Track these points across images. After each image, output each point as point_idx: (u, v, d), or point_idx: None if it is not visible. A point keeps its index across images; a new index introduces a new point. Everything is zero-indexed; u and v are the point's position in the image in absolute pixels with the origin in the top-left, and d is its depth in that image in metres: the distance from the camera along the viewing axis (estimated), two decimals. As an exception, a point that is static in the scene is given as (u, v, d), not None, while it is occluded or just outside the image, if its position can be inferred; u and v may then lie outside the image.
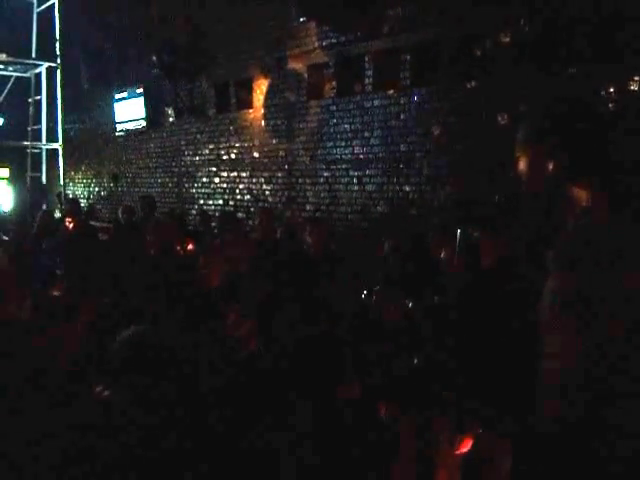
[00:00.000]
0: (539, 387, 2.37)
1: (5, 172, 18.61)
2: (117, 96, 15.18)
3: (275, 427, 3.35)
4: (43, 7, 14.39)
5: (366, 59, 9.53)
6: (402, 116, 9.04)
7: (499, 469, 3.30)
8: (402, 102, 9.05)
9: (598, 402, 2.15)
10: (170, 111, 13.79)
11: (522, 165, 2.62)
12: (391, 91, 9.19)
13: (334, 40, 9.95)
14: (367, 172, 9.49)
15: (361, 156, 9.59)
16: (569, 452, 2.23)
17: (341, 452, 3.32)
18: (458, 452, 3.26)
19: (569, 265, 2.32)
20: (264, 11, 10.76)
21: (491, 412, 3.35)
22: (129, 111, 14.89)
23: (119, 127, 15.46)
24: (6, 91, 14.54)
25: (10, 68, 14.70)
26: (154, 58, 12.93)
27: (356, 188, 9.65)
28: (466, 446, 3.25)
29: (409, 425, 3.47)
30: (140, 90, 14.33)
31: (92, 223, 10.51)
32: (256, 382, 3.66)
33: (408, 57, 8.92)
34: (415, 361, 3.97)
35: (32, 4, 14.48)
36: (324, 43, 10.14)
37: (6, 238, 7.08)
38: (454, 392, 3.52)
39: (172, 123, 13.90)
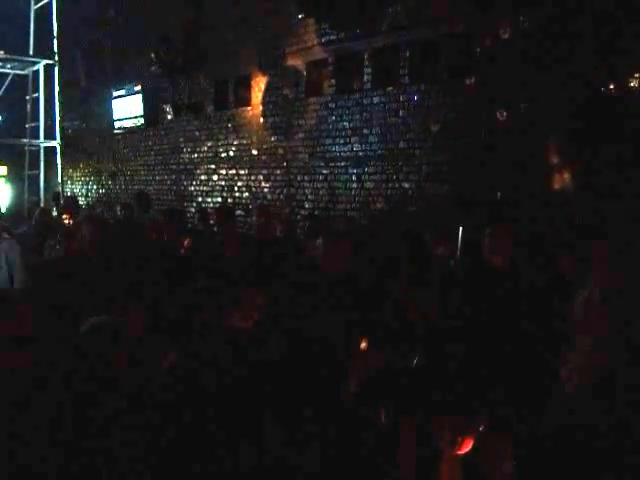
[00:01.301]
0: (558, 387, 2.35)
1: (3, 170, 18.59)
2: (115, 93, 15.13)
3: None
4: (40, 4, 14.33)
5: (365, 56, 9.51)
6: (401, 113, 9.02)
7: (500, 469, 3.29)
8: (401, 99, 9.03)
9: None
10: (168, 108, 13.76)
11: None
12: (390, 88, 9.17)
13: (333, 37, 9.92)
14: (366, 169, 9.47)
15: (360, 153, 9.57)
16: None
17: (342, 452, 3.32)
18: (459, 452, 3.24)
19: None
20: (263, 8, 10.73)
21: (492, 412, 3.33)
22: (127, 109, 14.85)
23: (117, 125, 15.41)
24: (3, 88, 14.48)
25: (8, 65, 14.65)
26: (152, 55, 12.90)
27: (355, 185, 9.63)
28: (467, 446, 3.23)
29: (409, 426, 3.45)
30: (138, 87, 14.29)
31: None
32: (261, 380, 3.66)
33: (407, 54, 8.90)
34: (415, 361, 3.95)
35: (29, 1, 14.43)
36: (323, 40, 10.11)
37: (7, 236, 7.01)
38: (454, 391, 3.50)
39: (170, 120, 13.87)
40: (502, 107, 7.38)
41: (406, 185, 8.88)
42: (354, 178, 9.66)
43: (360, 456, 3.53)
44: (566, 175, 6.84)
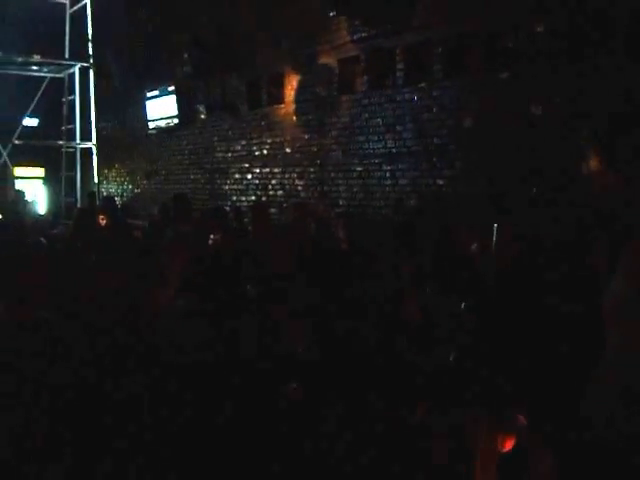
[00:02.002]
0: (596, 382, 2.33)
1: (40, 172, 18.87)
2: (149, 94, 15.28)
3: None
4: (75, 8, 14.52)
5: (397, 52, 9.49)
6: (434, 109, 8.99)
7: (538, 469, 3.26)
8: (434, 95, 9.00)
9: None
10: (202, 108, 13.87)
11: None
12: (422, 84, 9.14)
13: (365, 34, 9.91)
14: (400, 166, 9.46)
15: (394, 150, 9.55)
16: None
17: (375, 454, 3.32)
18: (498, 451, 3.22)
19: None
20: (294, 6, 10.75)
21: (532, 409, 3.31)
22: (161, 109, 14.99)
23: (151, 125, 15.56)
24: (40, 92, 14.69)
25: (44, 69, 14.87)
26: (185, 55, 13.01)
27: (389, 182, 9.62)
28: (508, 445, 3.20)
29: (442, 424, 3.44)
30: (172, 88, 14.41)
31: (130, 221, 10.58)
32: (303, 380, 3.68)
33: (439, 49, 8.86)
34: (452, 357, 3.94)
35: (65, 5, 14.63)
36: (354, 37, 10.11)
37: (43, 240, 7.12)
38: (494, 388, 3.49)
39: (204, 120, 13.97)
40: (537, 101, 7.33)
41: (440, 181, 8.85)
42: (388, 175, 9.65)
43: (393, 455, 3.53)
44: (602, 170, 6.77)
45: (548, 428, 3.21)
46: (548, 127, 7.28)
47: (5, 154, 14.51)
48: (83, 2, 14.36)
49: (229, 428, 3.40)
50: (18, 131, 14.77)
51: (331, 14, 10.05)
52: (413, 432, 3.55)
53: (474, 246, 6.06)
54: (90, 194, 15.06)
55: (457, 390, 3.56)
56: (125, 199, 17.12)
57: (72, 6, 14.69)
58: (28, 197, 15.91)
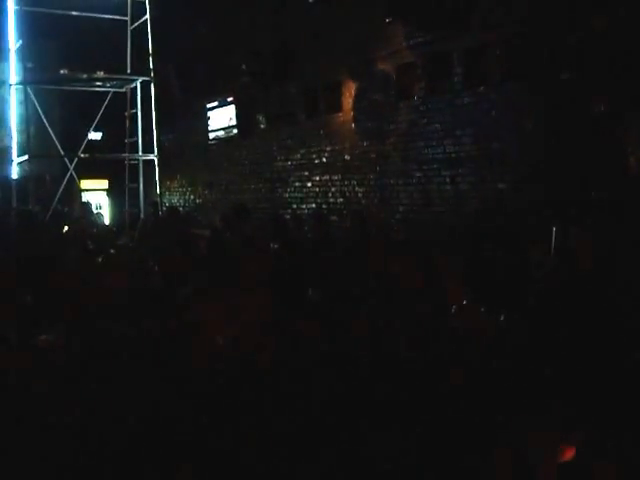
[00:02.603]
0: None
1: (105, 184, 19.29)
2: (209, 105, 15.51)
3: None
4: (136, 24, 14.83)
5: (454, 57, 9.44)
6: (494, 113, 8.91)
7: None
8: (493, 98, 8.92)
9: None
10: (261, 118, 14.01)
11: None
12: (481, 88, 9.07)
13: (421, 39, 9.89)
14: (460, 171, 9.39)
15: (453, 155, 9.50)
16: None
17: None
18: (559, 462, 3.17)
19: None
20: (350, 14, 10.78)
21: (597, 422, 3.26)
22: (221, 120, 15.21)
23: (211, 136, 15.80)
24: (104, 107, 15.04)
25: (107, 84, 15.21)
26: (243, 66, 13.16)
27: (449, 187, 9.56)
28: (568, 456, 3.15)
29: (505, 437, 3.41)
30: (231, 99, 14.60)
31: (193, 231, 10.74)
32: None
33: (497, 52, 8.78)
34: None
35: (126, 22, 14.96)
36: (411, 42, 10.09)
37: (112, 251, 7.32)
38: (555, 399, 3.45)
39: (263, 129, 14.11)
40: (599, 103, 7.20)
41: (501, 186, 8.76)
42: (447, 180, 9.59)
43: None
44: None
45: (612, 442, 3.16)
46: (611, 129, 7.14)
47: (72, 167, 14.86)
48: (144, 18, 14.63)
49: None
50: (83, 145, 15.12)
51: (387, 20, 10.06)
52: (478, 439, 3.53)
53: (536, 251, 6.01)
54: (153, 204, 15.34)
55: (520, 402, 3.53)
56: (187, 209, 17.38)
57: (133, 22, 15.00)
58: (93, 209, 16.35)
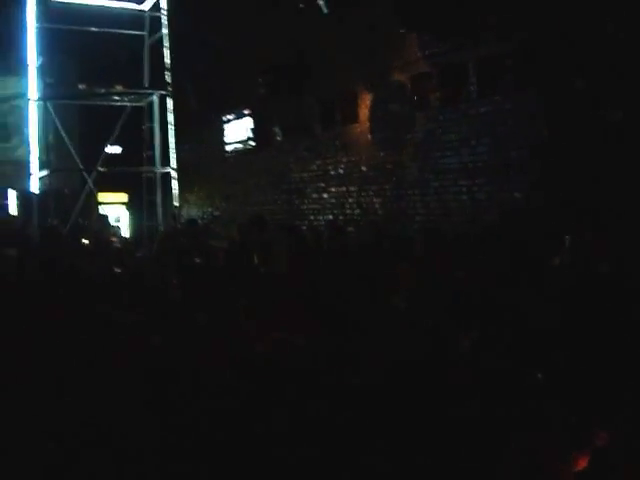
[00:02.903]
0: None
1: (123, 197, 19.47)
2: (225, 118, 15.63)
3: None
4: (153, 39, 15.03)
5: (469, 66, 9.46)
6: (509, 121, 8.91)
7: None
8: (508, 107, 8.93)
9: None
10: (277, 130, 14.08)
11: None
12: (497, 97, 9.09)
13: (436, 49, 9.92)
14: (476, 180, 9.40)
15: (469, 164, 9.50)
16: None
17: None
18: (572, 470, 3.17)
19: None
20: (365, 25, 10.84)
21: (610, 426, 3.26)
22: (237, 132, 15.32)
23: (228, 148, 15.91)
24: (122, 121, 15.22)
25: (125, 99, 15.42)
26: (259, 79, 13.25)
27: (465, 197, 9.57)
28: (582, 464, 3.14)
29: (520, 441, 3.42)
30: (247, 111, 14.71)
31: (211, 243, 10.81)
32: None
33: (512, 61, 8.79)
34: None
35: (143, 37, 15.16)
36: (426, 53, 10.13)
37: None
38: (567, 405, 3.45)
39: (279, 141, 14.18)
40: (614, 110, 7.20)
41: (518, 195, 8.75)
42: (464, 190, 9.60)
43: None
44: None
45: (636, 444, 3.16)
46: (627, 136, 7.14)
47: (90, 181, 15.03)
48: (161, 33, 14.83)
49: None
50: (102, 159, 15.28)
51: (401, 31, 10.11)
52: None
53: (556, 259, 6.01)
54: (172, 216, 15.49)
55: (535, 407, 3.54)
56: (205, 221, 17.48)
57: (150, 37, 15.21)
58: (111, 221, 16.51)
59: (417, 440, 3.55)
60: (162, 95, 15.10)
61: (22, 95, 15.80)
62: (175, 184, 15.90)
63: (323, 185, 12.89)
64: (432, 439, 3.54)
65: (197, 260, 8.17)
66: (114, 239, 10.62)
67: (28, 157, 15.42)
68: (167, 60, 14.86)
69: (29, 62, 14.76)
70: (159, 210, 16.04)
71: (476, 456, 3.43)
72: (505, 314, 4.48)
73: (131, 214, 19.25)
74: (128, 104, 15.53)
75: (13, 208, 16.61)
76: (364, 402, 3.72)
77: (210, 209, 17.82)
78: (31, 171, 15.36)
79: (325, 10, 10.58)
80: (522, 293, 4.74)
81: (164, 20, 14.82)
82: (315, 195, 13.15)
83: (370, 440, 3.52)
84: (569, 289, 4.60)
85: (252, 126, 14.76)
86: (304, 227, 13.01)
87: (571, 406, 3.41)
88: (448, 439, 3.51)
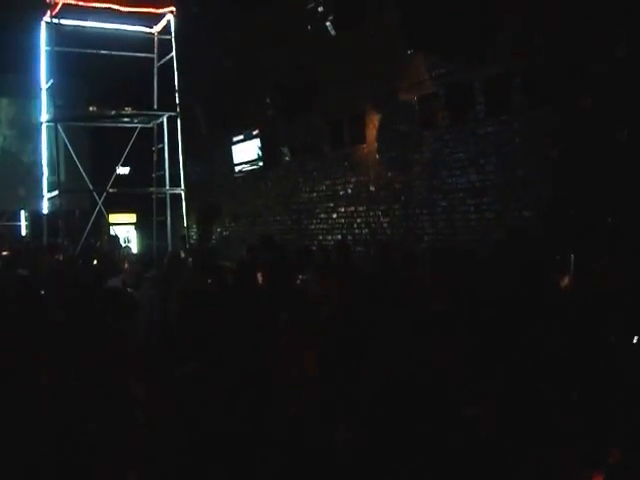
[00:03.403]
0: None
1: (133, 217, 19.57)
2: (234, 139, 15.70)
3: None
4: (162, 61, 15.16)
5: (476, 86, 9.50)
6: (517, 140, 8.94)
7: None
8: (516, 127, 8.95)
9: None
10: (286, 150, 14.15)
11: None
12: (504, 116, 9.11)
13: (443, 70, 9.98)
14: (484, 199, 9.40)
15: (477, 184, 9.52)
16: None
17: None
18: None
19: None
20: (372, 45, 10.90)
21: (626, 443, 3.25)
22: (246, 153, 15.38)
23: (237, 169, 15.97)
24: (131, 142, 15.31)
25: (135, 120, 15.52)
26: (268, 100, 13.32)
27: (474, 216, 9.57)
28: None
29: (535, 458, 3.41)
30: (256, 132, 14.78)
31: (220, 264, 10.81)
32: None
33: (519, 81, 8.82)
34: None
35: (152, 59, 15.30)
36: (433, 73, 10.19)
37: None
38: (582, 423, 3.44)
39: (288, 162, 14.24)
40: (622, 130, 7.21)
41: (526, 214, 8.76)
42: (472, 209, 9.61)
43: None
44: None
45: None
46: (634, 156, 7.14)
47: (100, 202, 15.09)
48: (170, 55, 14.96)
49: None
50: (112, 180, 15.35)
51: (409, 52, 10.16)
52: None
53: (565, 280, 6.00)
54: (181, 237, 15.54)
55: (551, 424, 3.52)
56: (214, 242, 17.52)
57: (159, 59, 15.33)
58: (122, 242, 16.57)
59: (432, 455, 3.56)
60: (171, 116, 15.18)
61: (34, 117, 15.95)
62: (184, 205, 15.95)
63: (332, 205, 12.92)
64: (448, 455, 3.54)
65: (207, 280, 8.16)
66: (125, 260, 10.62)
67: (40, 178, 15.53)
68: (176, 82, 14.97)
69: (41, 85, 14.91)
70: (168, 231, 16.09)
71: (494, 472, 3.43)
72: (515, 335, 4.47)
73: (140, 235, 19.33)
74: (138, 125, 15.62)
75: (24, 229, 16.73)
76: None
77: (219, 229, 17.87)
78: (43, 192, 15.48)
79: (333, 31, 10.63)
80: (528, 312, 4.73)
81: (173, 42, 14.96)
82: (324, 215, 13.18)
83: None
84: (575, 308, 4.60)
85: (261, 146, 14.82)
86: (314, 247, 13.05)
87: (586, 423, 3.40)
88: (465, 455, 3.51)
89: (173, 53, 14.96)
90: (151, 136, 15.76)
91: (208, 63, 15.33)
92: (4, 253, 12.46)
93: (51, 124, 14.54)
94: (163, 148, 15.56)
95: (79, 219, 16.41)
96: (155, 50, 15.45)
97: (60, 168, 14.17)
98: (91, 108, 14.74)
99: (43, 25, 14.54)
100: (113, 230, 17.05)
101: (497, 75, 9.11)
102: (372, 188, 11.76)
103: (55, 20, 13.75)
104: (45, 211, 15.70)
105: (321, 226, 13.27)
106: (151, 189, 16.05)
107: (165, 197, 15.82)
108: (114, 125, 15.95)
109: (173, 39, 15.06)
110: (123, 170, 16.82)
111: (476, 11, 8.66)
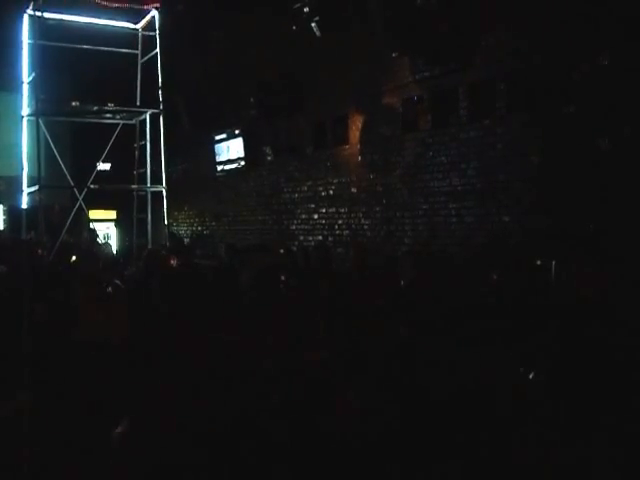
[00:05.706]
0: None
1: (113, 214, 19.43)
2: (217, 138, 15.65)
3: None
4: (146, 58, 15.04)
5: (460, 90, 9.53)
6: (499, 145, 8.98)
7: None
8: (498, 132, 9.00)
9: None
10: (268, 150, 14.12)
11: None
12: (486, 121, 9.15)
13: (427, 73, 10.01)
14: (465, 203, 9.44)
15: (459, 187, 9.56)
16: None
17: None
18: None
19: None
20: (357, 48, 10.91)
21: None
22: (229, 152, 15.33)
23: (219, 168, 15.91)
24: (113, 138, 15.17)
25: (117, 116, 15.39)
26: (251, 99, 13.30)
27: (455, 220, 9.61)
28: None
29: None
30: (239, 131, 14.74)
31: (198, 262, 10.77)
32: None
33: (502, 86, 8.87)
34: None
35: (136, 55, 15.19)
36: (417, 77, 10.22)
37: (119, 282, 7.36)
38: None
39: (271, 162, 14.22)
40: (603, 136, 7.25)
41: (506, 218, 8.80)
42: (453, 212, 9.64)
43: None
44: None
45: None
46: (615, 161, 7.19)
47: (81, 198, 14.95)
48: (154, 52, 14.84)
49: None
50: (93, 176, 15.20)
51: (394, 55, 10.18)
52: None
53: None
54: (167, 234, 15.47)
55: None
56: (194, 240, 17.45)
57: (143, 56, 15.22)
58: (101, 239, 16.44)
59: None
60: (154, 113, 15.07)
61: (14, 111, 15.78)
62: (165, 203, 15.85)
63: (313, 206, 12.92)
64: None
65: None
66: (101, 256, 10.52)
67: (20, 173, 15.35)
68: (160, 79, 14.88)
69: (22, 78, 14.76)
70: (149, 228, 15.98)
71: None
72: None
73: (120, 232, 19.19)
74: (120, 122, 15.50)
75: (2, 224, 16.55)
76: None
77: (200, 228, 17.81)
78: (22, 187, 15.31)
79: (318, 32, 10.62)
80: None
81: (157, 39, 14.87)
82: (305, 216, 13.17)
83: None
84: (555, 314, 4.62)
85: (243, 146, 14.78)
86: (294, 248, 13.03)
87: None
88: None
89: (157, 50, 14.85)
90: (133, 133, 15.63)
91: (192, 61, 15.27)
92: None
93: (32, 118, 14.39)
94: (145, 145, 15.44)
95: (59, 214, 16.25)
96: (139, 46, 15.34)
97: (41, 163, 14.02)
98: (73, 103, 14.58)
99: (26, 18, 14.39)
100: (92, 225, 16.89)
101: (480, 80, 9.16)
102: (354, 190, 11.77)
103: (38, 13, 13.61)
104: (24, 206, 15.53)
105: (302, 227, 13.26)
106: (132, 186, 15.91)
107: (146, 194, 15.71)
108: (96, 121, 15.80)
109: (157, 36, 14.96)
110: (104, 166, 16.67)
111: (461, 15, 8.69)
